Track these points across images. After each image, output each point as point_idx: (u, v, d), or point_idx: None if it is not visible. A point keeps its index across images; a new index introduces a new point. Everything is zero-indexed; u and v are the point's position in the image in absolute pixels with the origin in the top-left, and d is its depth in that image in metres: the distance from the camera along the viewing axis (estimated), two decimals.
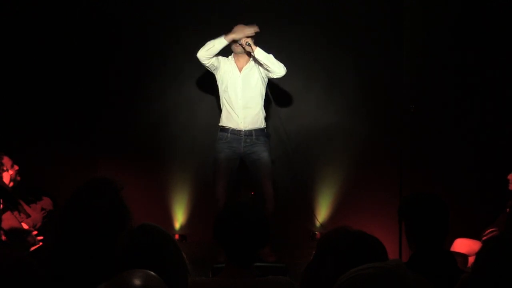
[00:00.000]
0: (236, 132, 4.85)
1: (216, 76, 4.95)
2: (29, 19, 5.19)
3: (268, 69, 4.79)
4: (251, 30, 4.79)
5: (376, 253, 1.69)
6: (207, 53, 4.77)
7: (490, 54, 5.16)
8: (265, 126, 4.94)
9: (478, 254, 1.73)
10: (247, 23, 4.90)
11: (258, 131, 4.88)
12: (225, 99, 4.91)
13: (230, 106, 4.87)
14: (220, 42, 4.75)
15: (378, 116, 5.46)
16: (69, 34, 5.37)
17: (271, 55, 4.79)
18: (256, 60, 4.82)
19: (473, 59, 5.19)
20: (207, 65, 4.84)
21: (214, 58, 4.83)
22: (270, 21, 5.45)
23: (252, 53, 4.77)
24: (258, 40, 5.11)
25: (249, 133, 4.85)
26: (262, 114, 4.92)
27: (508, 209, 4.55)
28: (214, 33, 4.98)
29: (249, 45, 4.76)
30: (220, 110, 5.02)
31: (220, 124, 4.94)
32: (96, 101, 5.57)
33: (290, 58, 5.39)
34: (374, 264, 1.22)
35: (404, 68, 5.43)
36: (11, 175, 4.58)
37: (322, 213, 5.45)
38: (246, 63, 4.91)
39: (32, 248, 4.18)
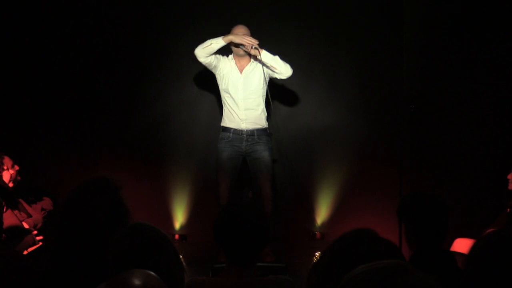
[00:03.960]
0: (238, 132, 4.86)
1: (216, 76, 4.93)
2: (29, 18, 5.20)
3: (275, 71, 4.78)
4: (250, 41, 4.67)
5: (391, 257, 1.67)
6: (203, 51, 4.74)
7: (490, 54, 5.16)
8: (267, 126, 4.94)
9: (470, 250, 1.72)
10: (247, 23, 4.91)
11: (260, 130, 4.88)
12: (226, 100, 4.90)
13: (232, 107, 4.87)
14: (217, 42, 4.71)
15: (378, 116, 5.46)
16: (69, 34, 5.37)
17: (277, 57, 4.77)
18: (261, 61, 4.79)
19: (473, 59, 5.19)
20: (204, 63, 4.80)
21: (212, 56, 4.78)
22: (270, 21, 5.46)
23: (258, 57, 4.75)
24: (258, 40, 5.11)
25: (251, 132, 4.85)
26: (264, 114, 4.91)
27: (508, 209, 4.55)
28: (214, 33, 4.99)
29: (256, 48, 4.73)
30: (221, 109, 5.02)
31: (222, 124, 4.94)
32: (96, 101, 5.58)
33: (290, 58, 5.38)
34: (383, 261, 1.22)
35: (404, 68, 5.43)
36: (11, 174, 4.58)
37: (322, 213, 5.45)
38: (247, 64, 4.89)
39: (32, 248, 4.18)
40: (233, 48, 4.84)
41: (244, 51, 4.78)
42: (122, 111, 5.60)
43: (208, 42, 4.73)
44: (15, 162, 4.67)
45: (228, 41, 4.72)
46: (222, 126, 4.94)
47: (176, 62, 5.52)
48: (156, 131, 5.58)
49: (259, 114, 4.88)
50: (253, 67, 4.87)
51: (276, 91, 5.27)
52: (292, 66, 4.79)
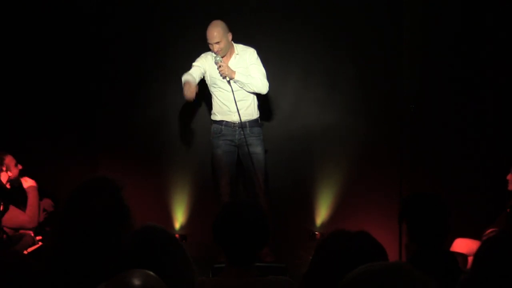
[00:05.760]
0: (230, 125, 4.88)
1: (205, 74, 4.91)
2: (30, 18, 5.19)
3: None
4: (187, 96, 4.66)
5: (376, 256, 1.68)
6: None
7: (490, 53, 5.16)
8: (258, 116, 4.95)
9: (477, 253, 1.73)
10: (247, 23, 4.92)
11: (252, 122, 4.90)
12: (215, 94, 4.91)
13: (221, 101, 4.87)
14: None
15: (378, 116, 5.46)
16: (69, 34, 5.37)
17: (255, 77, 4.77)
18: (241, 52, 4.85)
19: (473, 58, 5.19)
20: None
21: (198, 72, 4.80)
22: (270, 20, 5.46)
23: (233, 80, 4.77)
24: (259, 40, 5.12)
25: (243, 124, 4.85)
26: (254, 104, 4.91)
27: (508, 209, 4.55)
28: None
29: (229, 79, 4.74)
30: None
31: (213, 118, 4.95)
32: (96, 101, 5.58)
33: (291, 58, 5.40)
34: (381, 262, 1.22)
35: (404, 68, 5.43)
36: (9, 176, 4.57)
37: (322, 213, 5.45)
38: (231, 55, 4.88)
39: (32, 248, 4.18)
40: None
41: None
42: (122, 111, 5.60)
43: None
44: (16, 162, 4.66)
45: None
46: (213, 120, 4.94)
47: (176, 62, 5.51)
48: (156, 131, 5.58)
49: (249, 104, 4.89)
50: (237, 59, 4.87)
51: (276, 90, 5.28)
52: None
